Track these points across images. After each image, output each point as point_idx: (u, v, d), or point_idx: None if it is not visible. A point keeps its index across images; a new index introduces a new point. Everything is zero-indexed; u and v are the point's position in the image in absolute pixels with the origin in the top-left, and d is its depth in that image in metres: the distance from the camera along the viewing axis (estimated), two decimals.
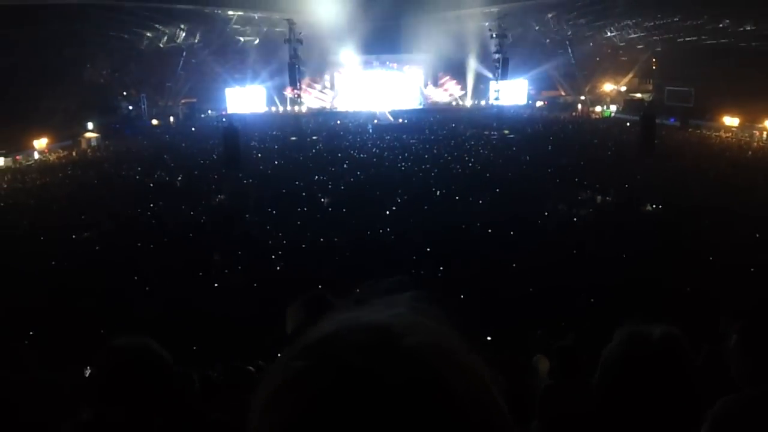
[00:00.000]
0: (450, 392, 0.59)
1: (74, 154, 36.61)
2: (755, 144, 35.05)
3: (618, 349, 1.53)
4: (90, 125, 41.52)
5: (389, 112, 51.85)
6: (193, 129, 45.64)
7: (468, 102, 57.48)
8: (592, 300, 10.38)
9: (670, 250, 13.51)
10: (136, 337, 2.04)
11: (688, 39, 42.34)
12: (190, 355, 7.51)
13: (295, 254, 14.63)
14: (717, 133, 39.15)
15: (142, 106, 49.60)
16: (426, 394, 0.58)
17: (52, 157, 35.24)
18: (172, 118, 51.13)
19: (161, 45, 47.48)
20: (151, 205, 20.64)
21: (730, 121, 39.43)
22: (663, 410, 1.40)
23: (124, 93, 49.78)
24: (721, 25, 37.22)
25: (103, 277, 12.56)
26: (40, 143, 36.02)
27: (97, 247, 15.82)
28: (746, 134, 37.45)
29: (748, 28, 35.44)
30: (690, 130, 40.02)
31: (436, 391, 0.59)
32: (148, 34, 44.78)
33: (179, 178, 26.14)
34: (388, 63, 57.65)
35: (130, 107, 49.64)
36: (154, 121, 49.45)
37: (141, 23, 40.83)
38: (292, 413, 0.59)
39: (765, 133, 36.59)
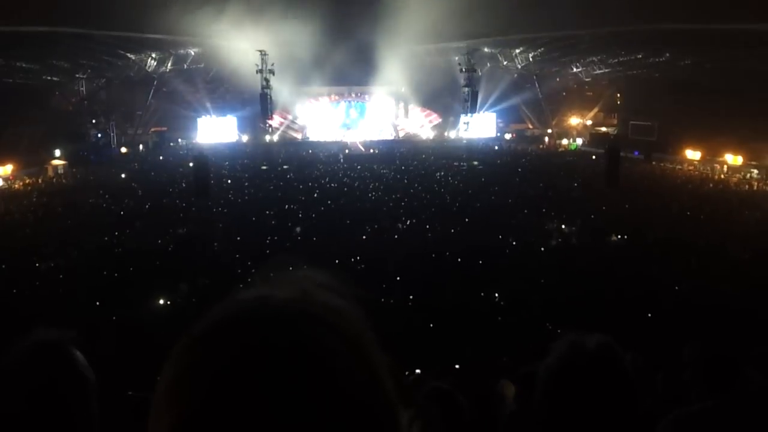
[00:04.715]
0: (332, 375, 0.61)
1: (40, 181, 35.94)
2: (716, 177, 36.06)
3: (556, 362, 1.56)
4: (57, 153, 40.92)
5: (360, 143, 52.18)
6: (160, 158, 45.26)
7: (438, 134, 58.15)
8: (558, 329, 10.49)
9: (634, 279, 13.77)
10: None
11: (651, 75, 43.69)
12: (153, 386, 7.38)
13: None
14: (679, 167, 40.21)
15: (111, 134, 49.14)
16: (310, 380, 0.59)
17: (17, 184, 34.59)
18: (141, 147, 50.73)
19: (132, 74, 47.26)
20: (117, 233, 20.34)
21: (692, 154, 40.51)
22: (605, 416, 1.45)
23: (93, 121, 49.20)
24: (682, 63, 38.52)
25: (67, 306, 12.30)
26: (5, 170, 35.34)
27: (61, 276, 15.50)
28: (707, 168, 38.52)
29: (708, 66, 36.76)
30: (653, 163, 40.99)
31: (323, 379, 0.60)
32: (119, 63, 44.50)
33: (147, 207, 25.83)
34: (358, 94, 58.21)
35: (99, 135, 49.05)
36: (123, 150, 48.99)
37: (111, 52, 40.54)
38: (188, 403, 0.61)
39: (725, 166, 37.67)
